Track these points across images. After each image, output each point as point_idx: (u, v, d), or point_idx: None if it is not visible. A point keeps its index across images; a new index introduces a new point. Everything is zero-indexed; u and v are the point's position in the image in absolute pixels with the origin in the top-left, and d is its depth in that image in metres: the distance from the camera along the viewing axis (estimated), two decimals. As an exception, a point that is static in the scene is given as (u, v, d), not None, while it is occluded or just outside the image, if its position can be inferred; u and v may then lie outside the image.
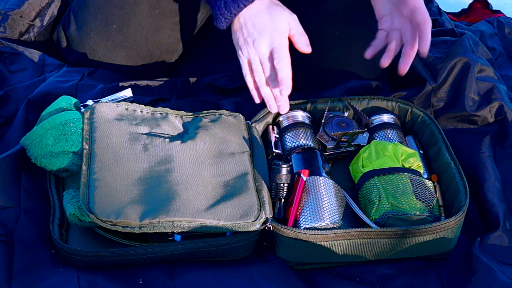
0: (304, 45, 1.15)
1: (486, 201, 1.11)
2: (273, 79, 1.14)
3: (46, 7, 1.47)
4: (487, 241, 1.05)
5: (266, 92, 1.16)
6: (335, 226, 0.99)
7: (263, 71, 1.14)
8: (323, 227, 0.99)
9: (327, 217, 1.00)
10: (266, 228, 0.98)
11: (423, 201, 1.03)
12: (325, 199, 1.02)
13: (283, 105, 1.15)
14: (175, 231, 0.95)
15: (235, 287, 0.93)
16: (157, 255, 0.95)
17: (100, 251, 0.94)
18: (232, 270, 0.96)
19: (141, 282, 0.93)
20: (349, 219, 1.03)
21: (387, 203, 1.02)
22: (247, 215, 0.98)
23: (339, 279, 0.99)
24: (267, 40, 1.12)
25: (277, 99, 1.16)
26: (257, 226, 0.97)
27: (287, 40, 1.13)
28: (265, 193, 1.03)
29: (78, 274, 0.92)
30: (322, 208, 1.00)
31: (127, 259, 0.95)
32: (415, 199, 1.03)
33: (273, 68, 1.13)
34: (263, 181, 1.05)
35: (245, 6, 1.12)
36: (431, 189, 1.06)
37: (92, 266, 0.94)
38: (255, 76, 1.16)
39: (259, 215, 0.98)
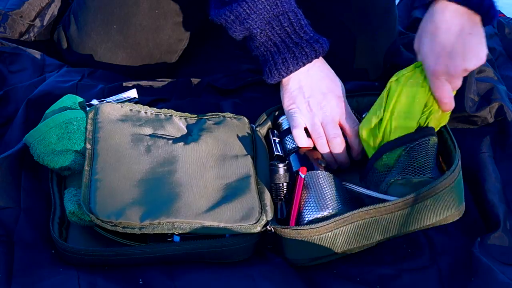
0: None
1: (486, 201, 1.11)
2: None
3: (46, 7, 1.47)
4: (487, 242, 1.05)
5: (328, 156, 1.11)
6: (336, 212, 0.98)
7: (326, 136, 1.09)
8: (325, 216, 0.98)
9: (330, 205, 0.99)
10: (268, 230, 0.98)
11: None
12: (325, 188, 1.01)
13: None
14: (175, 232, 0.95)
15: (235, 287, 0.93)
16: (157, 255, 0.95)
17: (99, 250, 0.95)
18: (232, 270, 0.96)
19: (141, 282, 0.93)
20: (353, 205, 1.01)
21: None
22: (248, 217, 0.98)
23: (339, 279, 0.99)
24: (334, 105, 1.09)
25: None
26: (258, 228, 0.97)
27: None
28: (267, 195, 1.03)
29: (78, 274, 0.92)
30: (323, 197, 0.99)
31: (126, 259, 0.95)
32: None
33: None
34: (265, 184, 1.05)
35: (304, 64, 1.08)
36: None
37: (91, 265, 0.94)
38: (316, 140, 1.10)
39: (260, 217, 0.98)
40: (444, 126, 1.07)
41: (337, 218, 0.95)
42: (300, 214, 1.00)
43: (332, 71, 1.13)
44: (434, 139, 1.04)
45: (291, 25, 1.08)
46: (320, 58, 1.11)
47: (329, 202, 0.99)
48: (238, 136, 1.13)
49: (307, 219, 0.99)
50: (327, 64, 1.12)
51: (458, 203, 0.99)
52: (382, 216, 0.96)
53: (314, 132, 1.10)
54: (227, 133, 1.13)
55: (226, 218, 0.97)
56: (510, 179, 1.16)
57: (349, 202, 1.03)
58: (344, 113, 1.10)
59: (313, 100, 1.09)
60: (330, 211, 0.98)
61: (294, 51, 1.08)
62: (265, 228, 0.98)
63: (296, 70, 1.09)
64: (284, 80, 1.11)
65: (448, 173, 0.96)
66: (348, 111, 1.11)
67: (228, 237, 0.97)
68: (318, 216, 0.98)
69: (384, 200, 0.97)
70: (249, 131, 1.15)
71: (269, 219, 0.99)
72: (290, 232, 0.96)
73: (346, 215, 0.95)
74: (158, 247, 0.95)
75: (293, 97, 1.10)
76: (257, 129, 1.16)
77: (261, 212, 0.99)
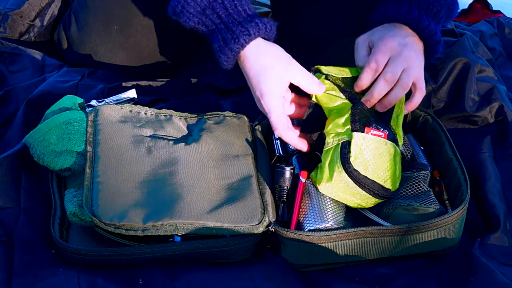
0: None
1: (487, 202, 1.11)
2: None
3: (46, 7, 1.47)
4: (487, 242, 1.05)
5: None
6: (338, 226, 0.99)
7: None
8: (327, 228, 0.99)
9: (331, 218, 0.99)
10: (269, 231, 0.98)
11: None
12: (327, 200, 1.01)
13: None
14: (178, 234, 0.95)
15: (235, 287, 0.93)
16: (157, 255, 0.95)
17: (99, 250, 0.95)
18: (232, 270, 0.96)
19: (141, 283, 0.93)
20: (353, 219, 1.03)
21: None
22: (251, 218, 0.98)
23: (339, 279, 0.99)
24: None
25: None
26: (260, 229, 0.97)
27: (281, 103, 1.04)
28: (269, 196, 1.03)
29: (78, 274, 0.92)
30: (325, 209, 1.00)
31: (126, 259, 0.95)
32: None
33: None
34: (267, 184, 1.05)
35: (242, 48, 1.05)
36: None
37: (91, 265, 0.94)
38: None
39: (262, 218, 0.98)
40: (456, 158, 1.08)
41: (341, 231, 0.96)
42: (300, 221, 1.01)
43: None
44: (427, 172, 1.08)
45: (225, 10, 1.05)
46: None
47: (330, 214, 1.00)
48: (238, 136, 1.12)
49: (307, 228, 0.99)
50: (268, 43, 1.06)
51: (458, 236, 1.02)
52: (383, 238, 0.97)
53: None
54: (227, 133, 1.12)
55: (229, 219, 0.97)
56: (510, 179, 1.16)
57: (351, 213, 1.03)
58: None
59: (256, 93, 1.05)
60: (332, 223, 0.99)
61: (229, 34, 1.05)
62: (267, 229, 0.98)
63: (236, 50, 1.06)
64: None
65: (459, 208, 0.99)
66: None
67: (229, 237, 0.97)
68: (320, 227, 0.99)
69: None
70: (249, 130, 1.14)
71: (271, 220, 0.98)
72: (293, 235, 0.96)
73: (350, 230, 0.96)
74: (159, 247, 0.95)
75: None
76: (257, 127, 1.16)
77: (264, 213, 0.99)
